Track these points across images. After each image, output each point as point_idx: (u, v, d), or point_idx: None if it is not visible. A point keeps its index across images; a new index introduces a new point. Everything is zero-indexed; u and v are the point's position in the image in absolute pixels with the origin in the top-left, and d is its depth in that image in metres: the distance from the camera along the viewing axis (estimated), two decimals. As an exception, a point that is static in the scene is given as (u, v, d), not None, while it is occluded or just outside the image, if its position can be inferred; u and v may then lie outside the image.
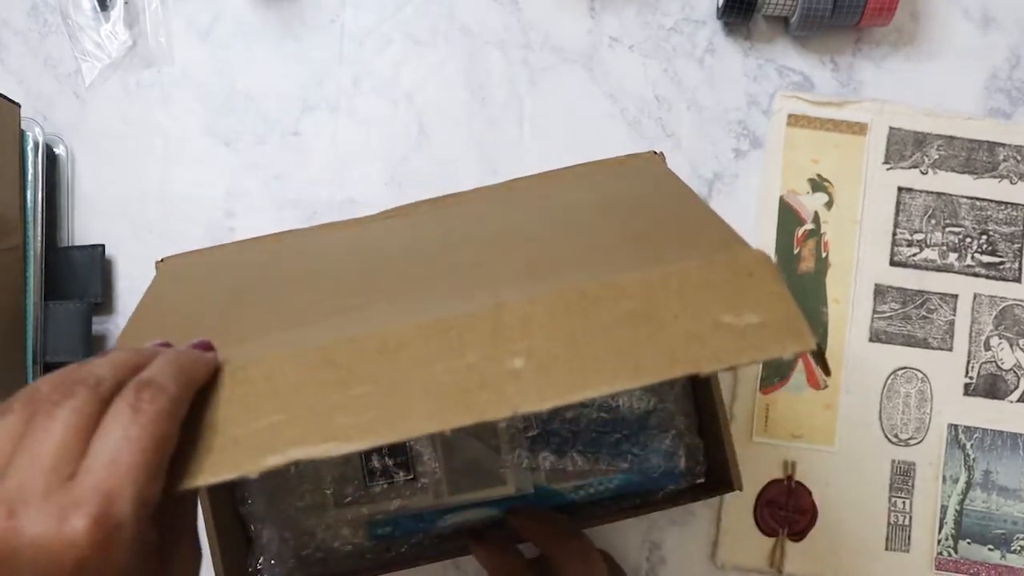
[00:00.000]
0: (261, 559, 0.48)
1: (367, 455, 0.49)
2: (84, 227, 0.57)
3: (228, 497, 0.48)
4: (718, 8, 0.57)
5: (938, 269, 0.56)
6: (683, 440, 0.50)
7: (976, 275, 0.56)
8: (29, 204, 0.52)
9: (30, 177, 0.53)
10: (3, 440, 0.27)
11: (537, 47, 0.58)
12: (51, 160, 0.55)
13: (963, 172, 0.56)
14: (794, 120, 0.57)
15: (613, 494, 0.50)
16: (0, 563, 0.25)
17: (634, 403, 0.50)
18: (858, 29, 0.58)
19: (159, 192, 0.57)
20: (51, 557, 0.25)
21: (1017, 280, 0.56)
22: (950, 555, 0.55)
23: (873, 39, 0.58)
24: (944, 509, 0.55)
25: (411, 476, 0.49)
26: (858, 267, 0.56)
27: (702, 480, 0.50)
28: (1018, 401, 0.55)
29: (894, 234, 0.56)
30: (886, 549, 0.55)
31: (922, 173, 0.57)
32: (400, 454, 0.49)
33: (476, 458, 0.49)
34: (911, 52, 0.58)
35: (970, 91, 0.57)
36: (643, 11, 0.58)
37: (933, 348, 0.56)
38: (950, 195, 0.56)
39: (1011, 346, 0.56)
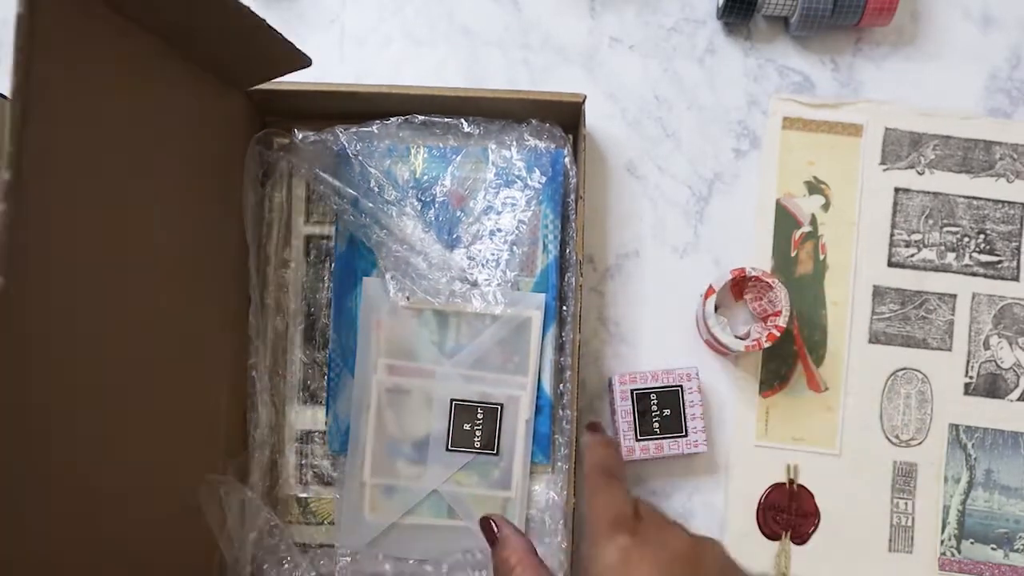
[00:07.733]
0: None
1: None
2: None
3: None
4: (718, 8, 0.57)
5: (936, 269, 0.56)
6: None
7: (974, 274, 0.56)
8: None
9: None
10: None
11: (537, 47, 0.57)
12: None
13: (960, 171, 0.56)
14: (789, 123, 0.57)
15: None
16: None
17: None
18: (858, 29, 0.57)
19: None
20: None
21: (1015, 278, 0.56)
22: (953, 555, 0.55)
23: (873, 39, 0.58)
24: (947, 509, 0.55)
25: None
26: (856, 269, 0.56)
27: None
28: (1018, 400, 0.55)
29: (891, 235, 0.56)
30: (889, 550, 0.55)
31: (918, 173, 0.57)
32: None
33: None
34: (911, 52, 0.58)
35: (970, 91, 0.58)
36: (643, 11, 0.58)
37: (932, 348, 0.56)
38: (947, 195, 0.56)
39: (1010, 345, 0.56)
